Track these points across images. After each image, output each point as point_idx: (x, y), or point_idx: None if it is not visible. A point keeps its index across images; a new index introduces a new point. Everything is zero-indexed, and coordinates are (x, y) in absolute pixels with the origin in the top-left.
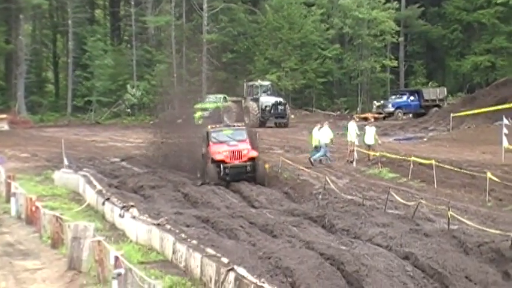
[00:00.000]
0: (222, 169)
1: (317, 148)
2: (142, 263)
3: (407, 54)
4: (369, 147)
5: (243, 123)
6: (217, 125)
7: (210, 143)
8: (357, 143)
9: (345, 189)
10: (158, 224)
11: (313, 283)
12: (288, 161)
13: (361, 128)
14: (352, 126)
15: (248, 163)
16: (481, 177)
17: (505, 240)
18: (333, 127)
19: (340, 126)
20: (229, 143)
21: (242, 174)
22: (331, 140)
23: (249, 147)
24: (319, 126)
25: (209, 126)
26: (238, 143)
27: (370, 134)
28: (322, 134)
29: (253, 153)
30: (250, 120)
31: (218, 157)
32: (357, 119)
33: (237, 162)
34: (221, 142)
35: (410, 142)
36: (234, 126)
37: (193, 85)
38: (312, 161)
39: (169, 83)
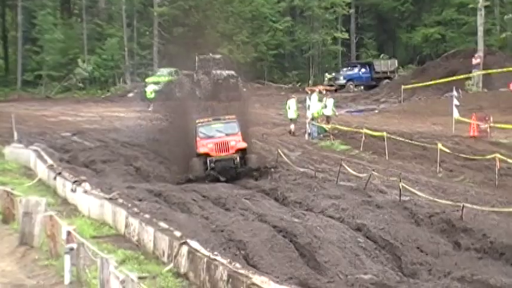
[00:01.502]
0: (208, 163)
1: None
2: (94, 237)
3: (358, 27)
4: (327, 118)
5: (233, 116)
6: (207, 119)
7: (198, 138)
8: (309, 115)
9: (297, 162)
10: (110, 199)
11: (266, 255)
12: None
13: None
14: (314, 99)
15: (235, 155)
16: (431, 148)
17: (456, 211)
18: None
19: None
20: (216, 135)
21: (231, 169)
22: (318, 113)
23: (239, 139)
24: (293, 98)
25: (197, 121)
26: (227, 136)
27: (329, 105)
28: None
29: (242, 145)
30: (202, 93)
31: (202, 150)
32: (310, 92)
33: (223, 154)
34: (209, 137)
35: (362, 114)
36: (224, 119)
37: (145, 59)
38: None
39: (121, 56)
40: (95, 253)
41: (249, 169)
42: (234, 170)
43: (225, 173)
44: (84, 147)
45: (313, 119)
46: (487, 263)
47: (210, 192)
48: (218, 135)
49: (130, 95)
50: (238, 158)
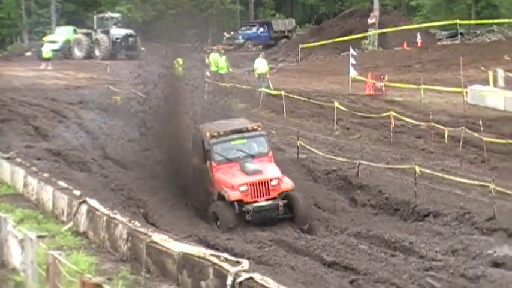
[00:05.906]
0: (238, 210)
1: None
2: None
3: None
4: (221, 76)
5: (259, 124)
6: (220, 131)
7: (213, 164)
8: (207, 74)
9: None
10: (8, 158)
11: (166, 214)
12: (139, 93)
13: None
14: (215, 57)
15: (280, 201)
16: (328, 107)
17: (352, 168)
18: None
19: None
20: (247, 167)
21: (272, 219)
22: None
23: (279, 173)
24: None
25: (207, 133)
26: (261, 166)
27: (223, 63)
28: (259, 65)
29: (287, 185)
30: (101, 52)
31: (234, 196)
32: (209, 51)
33: (262, 201)
34: (231, 161)
35: None
36: (247, 130)
37: (42, 17)
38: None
39: (18, 15)
40: None
41: (296, 219)
42: (277, 217)
43: (263, 223)
44: None
45: (259, 76)
46: (383, 218)
47: (109, 151)
48: (243, 159)
49: (28, 53)
50: (282, 204)
